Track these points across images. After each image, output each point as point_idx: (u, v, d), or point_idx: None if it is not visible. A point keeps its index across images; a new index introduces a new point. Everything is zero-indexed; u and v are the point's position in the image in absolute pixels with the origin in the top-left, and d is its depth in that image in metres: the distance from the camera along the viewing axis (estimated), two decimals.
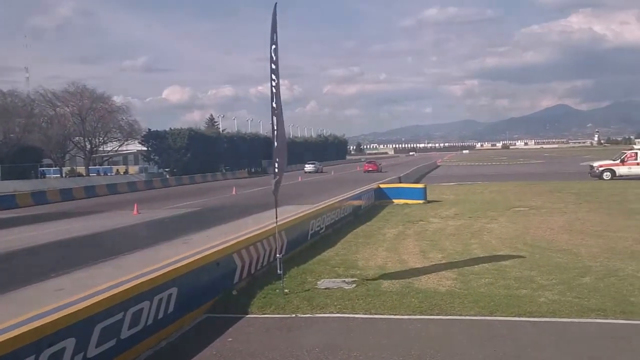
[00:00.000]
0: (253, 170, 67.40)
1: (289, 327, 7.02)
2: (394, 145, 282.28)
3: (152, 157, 58.66)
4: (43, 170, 55.55)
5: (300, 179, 44.69)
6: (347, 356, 5.90)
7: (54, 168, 58.71)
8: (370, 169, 54.21)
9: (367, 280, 9.11)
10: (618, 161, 32.82)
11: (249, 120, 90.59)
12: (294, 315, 7.43)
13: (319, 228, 13.89)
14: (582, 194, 23.78)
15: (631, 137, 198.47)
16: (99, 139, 58.47)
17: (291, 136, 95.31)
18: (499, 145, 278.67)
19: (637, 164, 32.05)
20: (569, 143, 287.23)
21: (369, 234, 14.44)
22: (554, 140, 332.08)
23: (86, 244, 15.21)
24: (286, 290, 8.42)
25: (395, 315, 7.29)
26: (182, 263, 7.44)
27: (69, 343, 4.97)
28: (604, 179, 31.80)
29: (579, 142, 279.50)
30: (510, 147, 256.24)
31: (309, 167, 61.45)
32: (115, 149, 62.45)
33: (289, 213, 14.28)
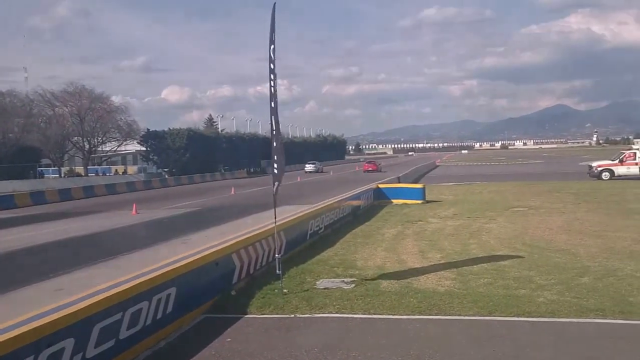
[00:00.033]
0: (252, 170, 67.37)
1: (287, 327, 7.02)
2: (392, 145, 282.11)
3: (150, 157, 58.63)
4: (41, 171, 55.48)
5: (299, 179, 44.68)
6: (345, 356, 5.91)
7: (52, 168, 58.64)
8: (370, 168, 54.36)
9: (366, 280, 9.12)
10: (617, 161, 32.86)
11: (247, 120, 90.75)
12: (292, 316, 7.44)
13: (318, 228, 13.90)
14: (580, 194, 23.81)
15: (630, 137, 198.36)
16: (97, 139, 58.45)
17: (290, 136, 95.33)
18: (498, 145, 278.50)
19: (636, 164, 32.09)
20: (567, 143, 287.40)
21: (368, 234, 14.44)
22: (552, 140, 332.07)
23: (85, 244, 15.19)
24: (285, 291, 8.42)
25: (394, 315, 7.29)
26: (181, 263, 7.44)
27: (68, 343, 4.97)
28: (603, 179, 31.83)
29: (578, 142, 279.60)
30: (509, 147, 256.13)
31: (309, 167, 61.60)
32: (114, 149, 62.43)
33: (288, 213, 14.28)
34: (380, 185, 24.06)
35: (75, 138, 57.13)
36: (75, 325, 5.12)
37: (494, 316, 7.09)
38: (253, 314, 7.59)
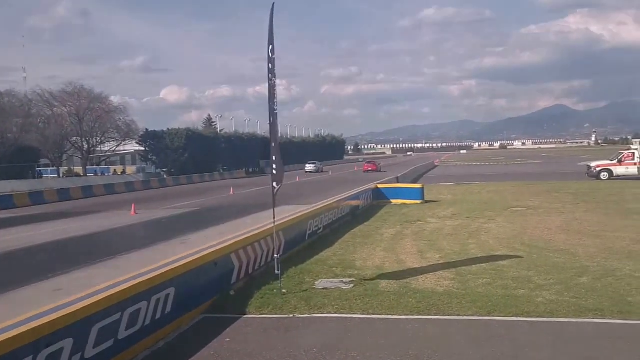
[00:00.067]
0: (251, 170, 67.40)
1: (286, 328, 7.02)
2: (391, 145, 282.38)
3: (149, 157, 58.62)
4: (40, 171, 55.42)
5: (298, 179, 44.68)
6: (344, 356, 5.91)
7: (51, 168, 58.56)
8: (370, 168, 54.55)
9: (364, 280, 9.12)
10: (615, 161, 32.90)
11: (246, 120, 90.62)
12: (291, 316, 7.43)
13: (316, 228, 13.90)
14: (579, 194, 23.84)
15: (628, 137, 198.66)
16: (96, 139, 58.44)
17: (289, 136, 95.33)
18: (497, 145, 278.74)
19: (635, 164, 32.14)
20: (566, 143, 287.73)
21: (366, 234, 14.44)
22: (551, 140, 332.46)
23: (84, 244, 15.17)
24: (284, 291, 8.42)
25: (393, 315, 7.29)
26: (179, 263, 7.44)
27: (67, 343, 4.96)
28: (602, 179, 31.88)
29: (577, 142, 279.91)
30: (508, 147, 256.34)
31: (309, 167, 61.73)
32: (113, 149, 62.44)
33: (287, 213, 14.28)
34: (379, 186, 24.07)
35: (74, 138, 57.13)
36: (74, 326, 5.11)
37: (493, 316, 7.10)
38: (252, 314, 7.59)
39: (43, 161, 57.85)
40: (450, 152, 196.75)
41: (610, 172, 32.44)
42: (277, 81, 8.97)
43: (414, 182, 34.07)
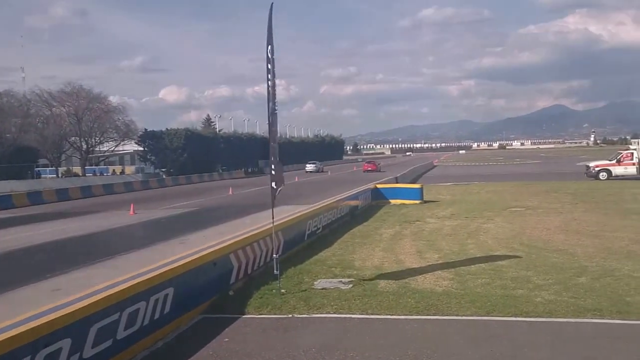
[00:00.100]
0: (250, 170, 67.37)
1: (285, 328, 7.02)
2: (390, 146, 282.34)
3: (148, 157, 58.55)
4: (39, 171, 55.39)
5: (297, 179, 44.68)
6: (343, 356, 5.91)
7: (50, 168, 58.51)
8: (370, 168, 54.67)
9: (363, 280, 9.12)
10: (614, 161, 32.95)
11: (245, 120, 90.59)
12: (290, 316, 7.43)
13: (315, 228, 13.90)
14: (578, 194, 23.86)
15: (627, 137, 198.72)
16: (95, 139, 58.36)
17: (288, 136, 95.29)
18: (496, 145, 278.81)
19: (633, 164, 32.19)
20: (565, 143, 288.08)
21: (365, 234, 14.45)
22: (550, 140, 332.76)
23: (82, 244, 15.16)
24: (283, 291, 8.42)
25: (392, 315, 7.29)
26: (178, 263, 7.44)
27: (65, 343, 4.96)
28: (600, 179, 31.93)
29: (575, 142, 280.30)
30: (507, 147, 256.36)
31: (310, 167, 61.82)
32: (112, 149, 62.37)
33: (286, 213, 14.28)
34: (378, 186, 24.08)
35: (73, 138, 57.07)
36: (73, 326, 5.11)
37: (492, 316, 7.10)
38: (251, 314, 7.59)
39: (42, 161, 57.82)
40: (449, 152, 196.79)
41: (609, 172, 32.49)
42: (277, 81, 8.96)
43: (413, 182, 34.09)
